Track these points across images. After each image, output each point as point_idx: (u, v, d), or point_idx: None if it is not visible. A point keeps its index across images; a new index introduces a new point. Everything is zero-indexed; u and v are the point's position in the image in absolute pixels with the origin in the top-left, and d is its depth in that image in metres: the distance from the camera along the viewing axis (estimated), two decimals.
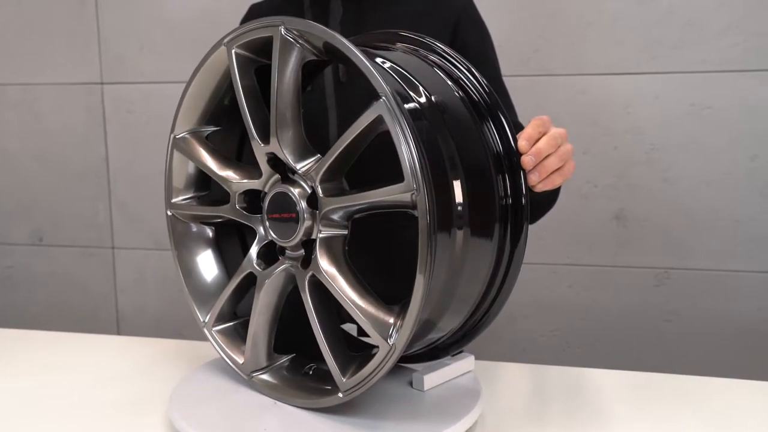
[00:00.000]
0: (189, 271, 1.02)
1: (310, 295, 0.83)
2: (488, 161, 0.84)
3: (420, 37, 0.96)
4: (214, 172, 0.94)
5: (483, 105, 0.88)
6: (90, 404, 0.98)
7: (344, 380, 0.80)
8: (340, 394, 0.80)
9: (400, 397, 0.89)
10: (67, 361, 1.15)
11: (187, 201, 1.01)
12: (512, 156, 0.86)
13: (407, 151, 0.70)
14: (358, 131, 0.76)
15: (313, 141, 1.07)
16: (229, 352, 0.96)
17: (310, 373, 0.91)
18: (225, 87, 0.95)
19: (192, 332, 2.13)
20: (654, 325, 1.84)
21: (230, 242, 1.06)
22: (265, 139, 0.85)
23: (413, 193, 0.71)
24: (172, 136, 0.99)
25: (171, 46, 2.01)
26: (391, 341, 0.75)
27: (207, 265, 1.04)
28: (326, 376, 0.87)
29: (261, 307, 0.89)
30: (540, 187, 0.88)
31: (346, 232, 0.83)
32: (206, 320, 0.99)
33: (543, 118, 0.89)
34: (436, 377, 0.93)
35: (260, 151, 0.87)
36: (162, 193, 2.13)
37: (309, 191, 0.84)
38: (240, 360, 0.94)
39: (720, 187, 1.75)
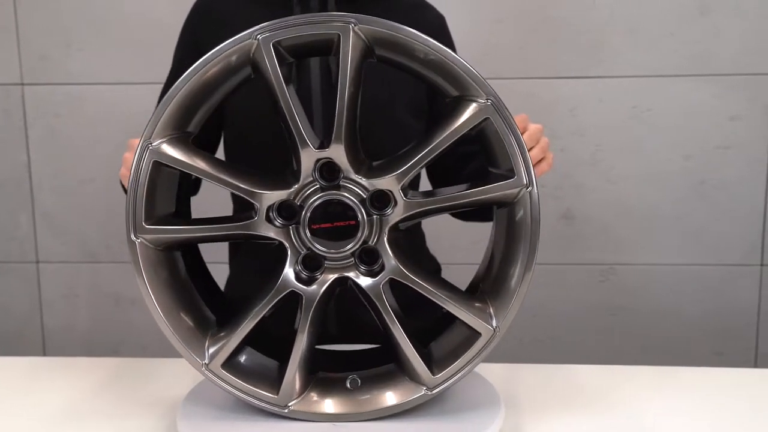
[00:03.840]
0: (168, 307, 0.85)
1: (388, 300, 0.83)
2: None
3: None
4: (234, 184, 0.82)
5: None
6: None
7: (434, 377, 0.83)
8: (428, 391, 0.83)
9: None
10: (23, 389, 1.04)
11: (160, 224, 0.84)
12: None
13: (520, 150, 0.80)
14: (460, 134, 0.80)
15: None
16: (253, 388, 0.84)
17: (350, 386, 0.87)
18: (223, 87, 0.86)
19: (129, 349, 2.01)
20: (601, 320, 1.91)
21: (195, 265, 0.93)
22: (318, 143, 0.81)
23: (521, 189, 0.81)
24: (146, 144, 0.82)
25: (102, 45, 1.89)
26: (493, 325, 0.83)
27: (186, 295, 0.88)
28: (377, 382, 0.86)
29: (310, 327, 0.83)
30: None
31: (401, 234, 0.84)
32: (209, 360, 0.84)
33: (523, 116, 0.99)
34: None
35: (311, 157, 0.81)
36: (95, 202, 2.01)
37: (364, 196, 0.82)
38: (270, 393, 0.84)
39: (658, 186, 1.85)
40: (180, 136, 0.83)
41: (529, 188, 0.82)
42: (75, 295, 2.01)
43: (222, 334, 0.84)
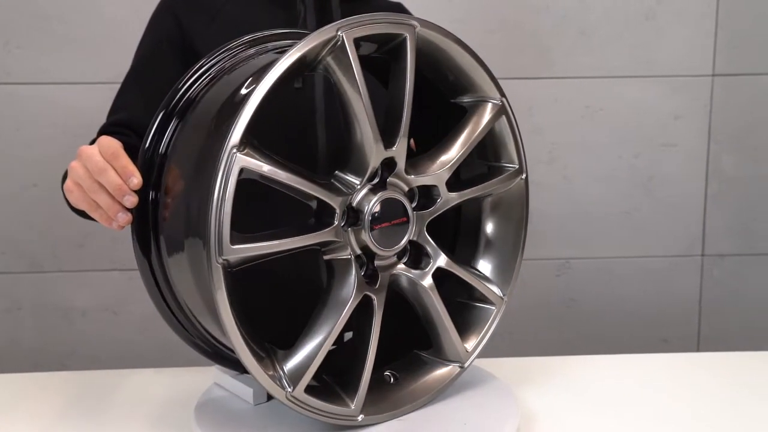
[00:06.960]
0: (245, 335, 0.75)
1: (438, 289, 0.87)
2: None
3: None
4: (318, 189, 0.77)
5: None
6: None
7: (468, 352, 0.91)
8: (461, 366, 0.91)
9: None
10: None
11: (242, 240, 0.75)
12: None
13: (520, 143, 0.92)
14: (486, 132, 0.88)
15: (300, 142, 1.02)
16: (333, 406, 0.79)
17: (392, 380, 0.89)
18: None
19: (76, 362, 1.91)
20: (556, 313, 1.98)
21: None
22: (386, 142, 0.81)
23: (522, 177, 0.93)
24: (233, 152, 0.70)
25: (43, 42, 1.78)
26: (502, 296, 0.96)
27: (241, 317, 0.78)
28: (410, 371, 0.91)
29: (377, 328, 0.82)
30: None
31: None
32: (294, 388, 0.76)
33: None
34: None
35: (379, 156, 0.80)
36: (38, 208, 1.88)
37: (406, 191, 0.85)
38: (346, 406, 0.80)
39: (610, 183, 1.93)
40: (250, 143, 0.74)
41: (524, 175, 0.94)
42: (18, 308, 1.89)
43: (296, 356, 0.77)
